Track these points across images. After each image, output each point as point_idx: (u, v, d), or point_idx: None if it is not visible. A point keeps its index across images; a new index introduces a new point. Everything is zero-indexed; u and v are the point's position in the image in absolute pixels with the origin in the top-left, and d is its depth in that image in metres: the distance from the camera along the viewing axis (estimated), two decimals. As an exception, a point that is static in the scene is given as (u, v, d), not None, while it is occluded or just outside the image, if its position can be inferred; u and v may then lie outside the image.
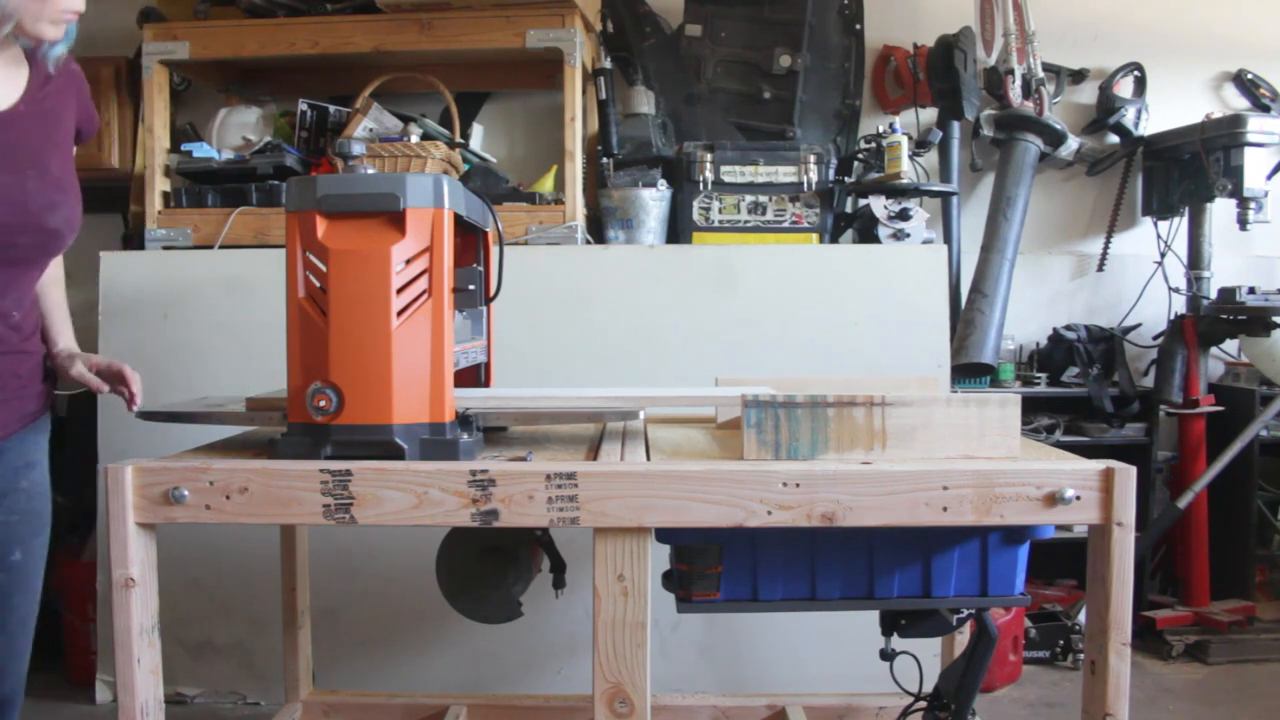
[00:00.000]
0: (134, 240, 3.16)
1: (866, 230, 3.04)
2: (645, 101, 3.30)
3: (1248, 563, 3.33)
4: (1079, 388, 3.40)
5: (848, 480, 1.47)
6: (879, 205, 3.01)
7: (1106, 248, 3.59)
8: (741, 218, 3.09)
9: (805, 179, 3.05)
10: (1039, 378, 3.45)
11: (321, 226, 1.51)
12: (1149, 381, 3.48)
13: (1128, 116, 3.48)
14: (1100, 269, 3.61)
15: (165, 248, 3.00)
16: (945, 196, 3.39)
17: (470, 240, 1.92)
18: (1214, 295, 3.31)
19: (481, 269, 1.89)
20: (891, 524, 1.48)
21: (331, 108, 3.19)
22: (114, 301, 2.86)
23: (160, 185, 3.06)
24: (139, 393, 1.78)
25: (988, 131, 3.39)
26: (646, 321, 2.80)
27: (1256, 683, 3.02)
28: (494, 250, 1.88)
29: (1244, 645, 3.18)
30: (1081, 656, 3.10)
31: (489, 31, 2.97)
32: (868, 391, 1.56)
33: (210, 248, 2.96)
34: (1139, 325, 3.55)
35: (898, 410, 1.54)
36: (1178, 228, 3.49)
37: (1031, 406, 3.37)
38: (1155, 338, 3.51)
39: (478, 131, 3.41)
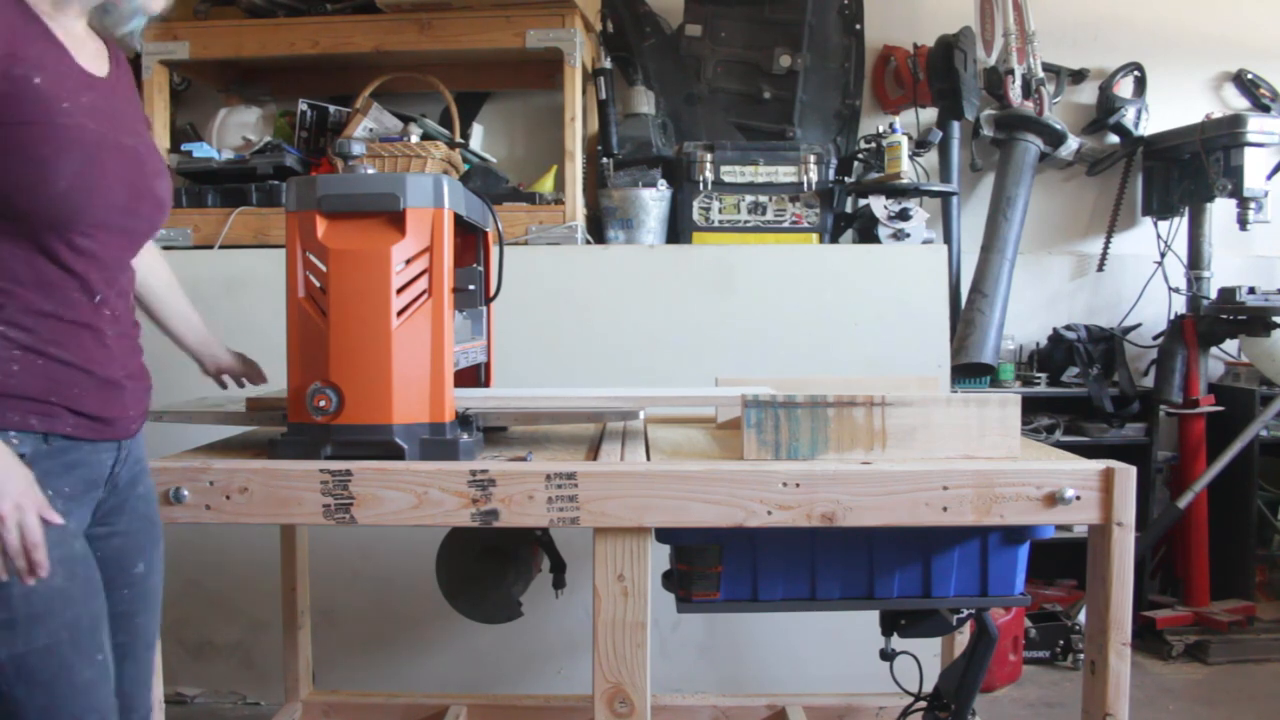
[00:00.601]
0: (134, 240, 3.16)
1: (866, 230, 3.04)
2: (645, 101, 3.30)
3: (1248, 563, 3.33)
4: (1079, 388, 3.40)
5: (848, 480, 1.47)
6: (879, 205, 3.01)
7: (1106, 248, 3.59)
8: (741, 218, 3.09)
9: (805, 179, 3.05)
10: (1039, 378, 3.45)
11: (321, 226, 1.51)
12: (1149, 381, 3.48)
13: (1128, 116, 3.48)
14: (1100, 269, 3.61)
15: (165, 248, 2.99)
16: (945, 196, 3.39)
17: (470, 240, 1.92)
18: (1214, 295, 3.31)
19: (481, 269, 1.89)
20: (891, 524, 1.48)
21: (331, 108, 3.19)
22: (114, 301, 2.85)
23: (160, 185, 3.06)
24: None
25: (988, 131, 3.39)
26: (646, 321, 2.80)
27: (1256, 683, 3.02)
28: (494, 250, 1.88)
29: (1244, 645, 3.17)
30: (1081, 656, 3.10)
31: (489, 31, 2.97)
32: (868, 391, 1.56)
33: (210, 248, 2.96)
34: (1139, 325, 3.55)
35: (898, 410, 1.54)
36: (1178, 228, 3.49)
37: (1031, 406, 3.37)
38: (1155, 338, 3.51)
39: (478, 131, 3.41)
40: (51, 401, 1.29)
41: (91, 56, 1.40)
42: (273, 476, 1.49)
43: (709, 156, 3.08)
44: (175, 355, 1.85)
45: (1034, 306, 3.61)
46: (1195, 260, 3.39)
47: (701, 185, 3.08)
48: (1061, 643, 3.17)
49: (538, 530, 1.94)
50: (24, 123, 1.25)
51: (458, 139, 3.15)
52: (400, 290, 1.50)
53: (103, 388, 1.34)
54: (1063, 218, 3.66)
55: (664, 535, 1.58)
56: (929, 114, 3.48)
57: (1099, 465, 1.50)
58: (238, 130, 3.19)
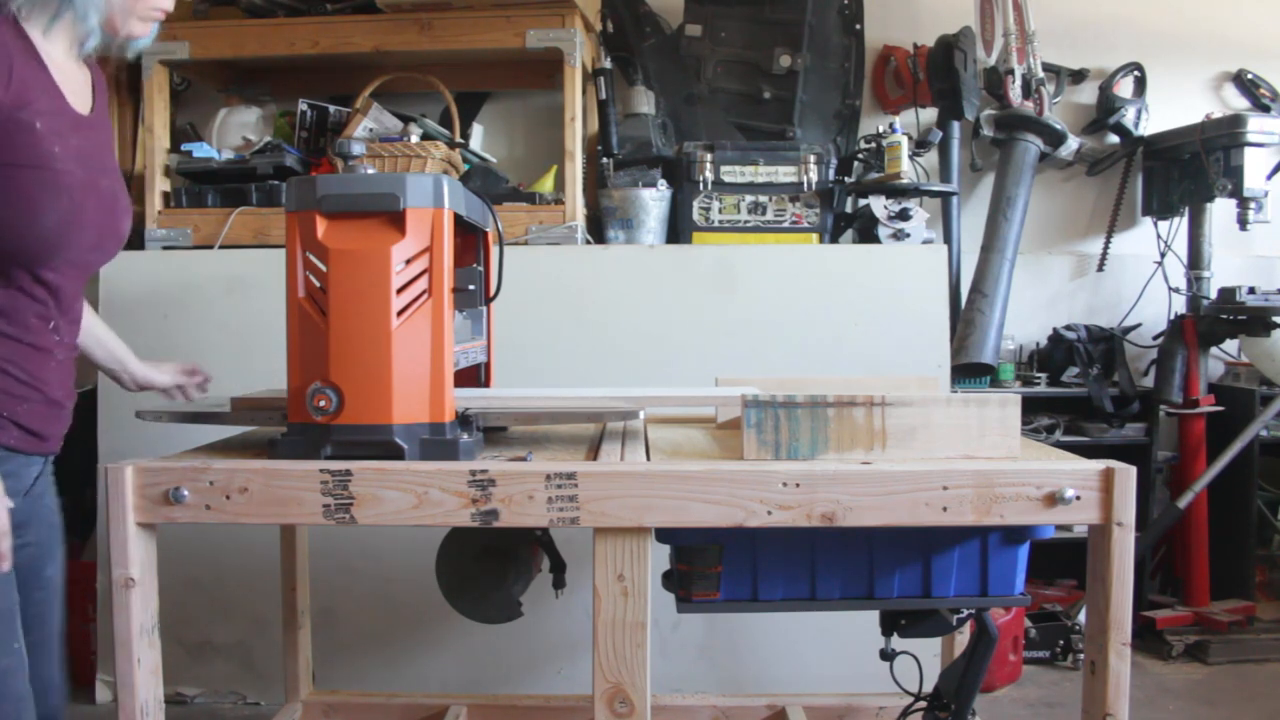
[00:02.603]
0: (134, 240, 3.16)
1: (866, 230, 3.04)
2: (645, 101, 3.30)
3: (1248, 563, 3.33)
4: (1079, 388, 3.40)
5: (848, 480, 1.47)
6: (879, 205, 3.01)
7: (1106, 248, 3.59)
8: (741, 218, 3.09)
9: (805, 179, 3.05)
10: (1039, 378, 3.45)
11: (321, 226, 1.51)
12: (1149, 381, 3.48)
13: (1128, 116, 3.48)
14: (1100, 269, 3.61)
15: (165, 248, 3.00)
16: (945, 196, 3.39)
17: (470, 240, 1.92)
18: (1214, 295, 3.31)
19: (481, 269, 1.89)
20: (891, 524, 1.48)
21: (331, 108, 3.19)
22: (114, 302, 2.86)
23: (160, 185, 3.06)
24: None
25: (988, 131, 3.39)
26: (646, 321, 2.80)
27: (1256, 683, 3.02)
28: (494, 250, 1.88)
29: (1244, 645, 3.18)
30: (1081, 656, 3.11)
31: (489, 31, 2.97)
32: (868, 391, 1.56)
33: (210, 248, 2.96)
34: (1139, 325, 3.55)
35: (898, 410, 1.54)
36: (1178, 228, 3.49)
37: (1031, 406, 3.37)
38: (1155, 338, 3.51)
39: (478, 131, 3.41)
40: (1, 415, 1.40)
41: (78, 91, 1.46)
42: (273, 476, 1.49)
43: (709, 156, 3.08)
44: (178, 357, 1.85)
45: (1034, 306, 3.61)
46: (1195, 260, 3.39)
47: (701, 185, 3.08)
48: (1061, 643, 3.17)
49: (538, 530, 1.94)
50: (20, 165, 1.32)
51: (458, 139, 3.15)
52: (400, 290, 1.50)
53: (47, 406, 1.47)
54: (1063, 218, 3.66)
55: (664, 535, 1.58)
56: (929, 114, 3.48)
57: (1099, 465, 1.50)
58: (238, 130, 3.19)
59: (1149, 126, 3.52)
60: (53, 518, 1.57)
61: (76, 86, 1.47)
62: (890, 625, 1.84)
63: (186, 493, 1.49)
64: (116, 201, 1.50)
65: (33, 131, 1.33)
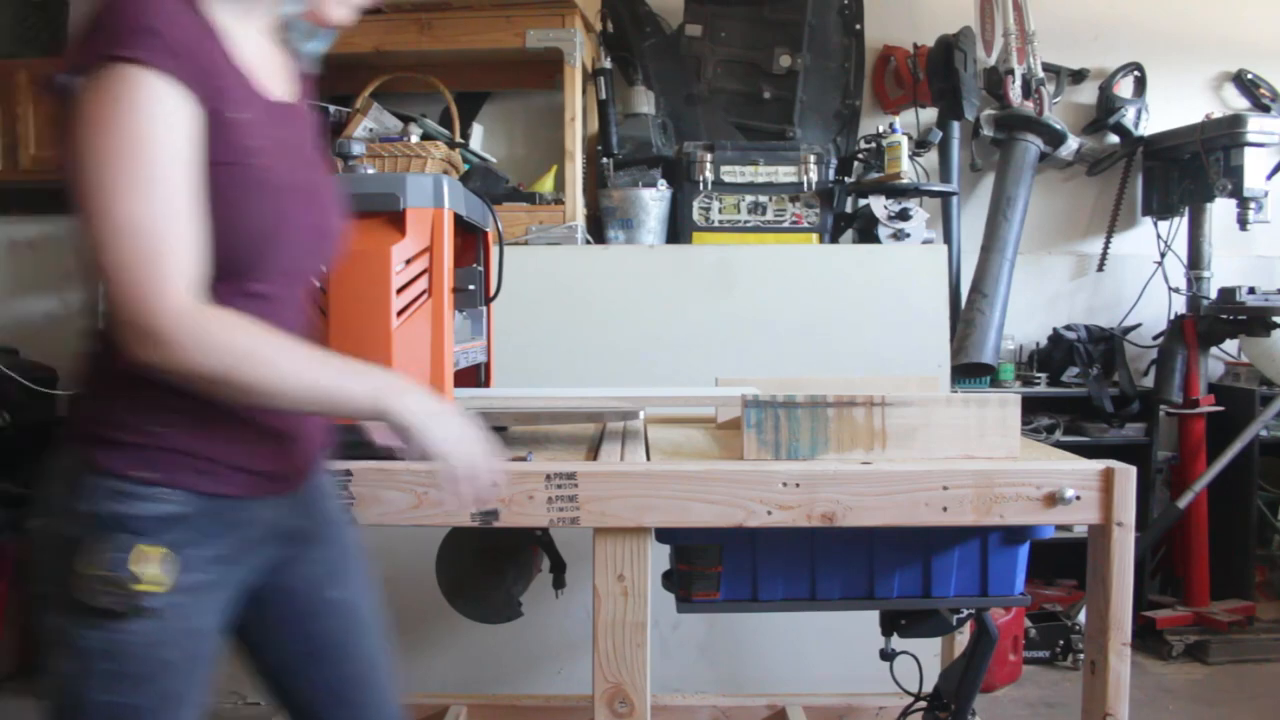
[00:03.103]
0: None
1: (866, 230, 3.04)
2: (645, 101, 3.30)
3: (1248, 563, 3.33)
4: (1079, 388, 3.40)
5: (848, 480, 1.47)
6: (879, 205, 3.01)
7: (1106, 248, 3.59)
8: (741, 218, 3.09)
9: (805, 179, 3.05)
10: (1039, 378, 3.45)
11: (321, 226, 1.51)
12: (1149, 381, 3.48)
13: (1128, 116, 3.48)
14: (1100, 269, 3.61)
15: (165, 248, 2.99)
16: (945, 196, 3.39)
17: (470, 240, 1.92)
18: (1214, 295, 3.31)
19: (481, 269, 1.89)
20: (891, 524, 1.48)
21: (331, 108, 3.19)
22: (114, 301, 2.85)
23: (160, 185, 3.05)
24: None
25: (988, 131, 3.39)
26: (646, 321, 2.80)
27: (1256, 683, 3.02)
28: (494, 250, 1.88)
29: (1244, 645, 3.17)
30: (1081, 656, 3.10)
31: (489, 31, 2.97)
32: (868, 391, 1.57)
33: (210, 248, 2.96)
34: (1139, 325, 3.55)
35: (898, 410, 1.54)
36: (1178, 228, 3.49)
37: (1031, 406, 3.37)
38: (1155, 338, 3.51)
39: (478, 131, 3.41)
40: (212, 458, 1.17)
41: (273, 76, 1.30)
42: (273, 476, 1.49)
43: (709, 156, 3.08)
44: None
45: (1034, 306, 3.61)
46: (1195, 260, 3.39)
47: (701, 185, 3.08)
48: (1061, 643, 3.17)
49: (538, 530, 1.94)
50: (218, 164, 1.15)
51: (458, 139, 3.15)
52: (400, 290, 1.51)
53: (267, 439, 1.21)
54: (1063, 218, 3.66)
55: (664, 535, 1.58)
56: (929, 114, 3.47)
57: (1099, 465, 1.50)
58: (238, 130, 3.18)
59: (1149, 126, 3.52)
60: (330, 532, 1.35)
61: (274, 71, 1.30)
62: (890, 625, 1.85)
63: (186, 493, 1.49)
64: (325, 197, 1.31)
65: (225, 123, 1.15)
